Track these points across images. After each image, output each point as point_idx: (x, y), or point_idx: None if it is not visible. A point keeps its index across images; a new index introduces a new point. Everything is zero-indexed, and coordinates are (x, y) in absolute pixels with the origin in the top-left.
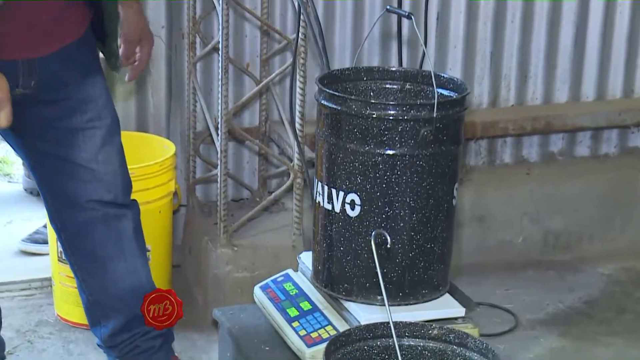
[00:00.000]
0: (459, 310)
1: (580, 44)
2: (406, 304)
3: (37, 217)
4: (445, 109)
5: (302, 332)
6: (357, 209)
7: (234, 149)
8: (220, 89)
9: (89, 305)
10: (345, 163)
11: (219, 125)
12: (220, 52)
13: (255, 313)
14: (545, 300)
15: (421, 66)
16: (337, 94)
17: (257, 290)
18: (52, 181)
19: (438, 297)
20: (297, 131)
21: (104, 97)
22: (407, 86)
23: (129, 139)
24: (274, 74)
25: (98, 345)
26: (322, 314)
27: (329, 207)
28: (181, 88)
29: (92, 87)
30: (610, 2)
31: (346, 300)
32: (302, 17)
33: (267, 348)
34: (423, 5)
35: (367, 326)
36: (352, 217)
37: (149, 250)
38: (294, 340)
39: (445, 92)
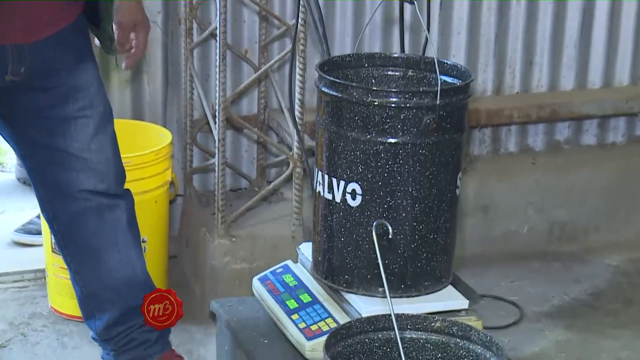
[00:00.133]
0: (462, 302)
1: (586, 29)
2: (408, 296)
3: (30, 207)
4: (448, 97)
5: (302, 325)
6: (358, 198)
7: (232, 137)
8: (217, 76)
9: (82, 297)
10: (346, 152)
11: (217, 113)
12: (217, 38)
13: (253, 305)
14: (550, 292)
15: (424, 52)
16: (337, 81)
17: (256, 282)
18: (43, 171)
19: (441, 289)
20: (297, 119)
21: (96, 85)
22: (410, 73)
23: (125, 127)
24: (273, 61)
25: (93, 338)
26: (322, 306)
27: (329, 196)
28: (178, 75)
29: (84, 74)
30: None
31: (347, 292)
32: (301, 2)
33: (265, 341)
34: None
35: (368, 318)
36: (353, 207)
37: (144, 241)
38: (294, 333)
39: (448, 79)
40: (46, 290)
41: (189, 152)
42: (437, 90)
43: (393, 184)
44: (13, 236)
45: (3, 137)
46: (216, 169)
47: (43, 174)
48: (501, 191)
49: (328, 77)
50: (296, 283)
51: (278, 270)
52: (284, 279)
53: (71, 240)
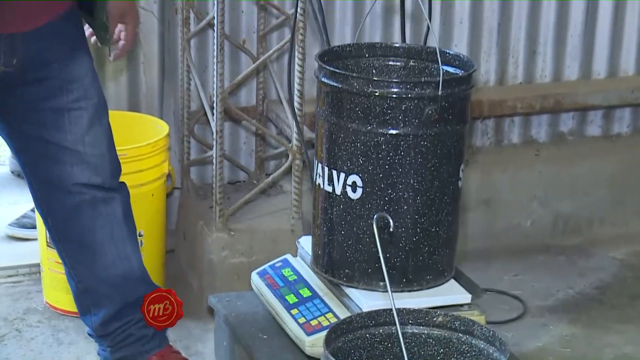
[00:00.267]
0: (464, 297)
1: (591, 18)
2: (410, 290)
3: (25, 200)
4: (450, 87)
5: (302, 320)
6: (359, 191)
7: (230, 129)
8: (215, 67)
9: (78, 293)
10: (346, 143)
11: (215, 105)
12: (215, 28)
13: (252, 300)
14: (554, 286)
15: (425, 42)
16: (337, 71)
17: (255, 277)
18: (37, 165)
19: (443, 283)
20: (296, 110)
21: (90, 76)
22: (411, 63)
23: (120, 118)
24: (271, 51)
25: (89, 334)
26: (322, 300)
27: (329, 189)
28: (175, 66)
29: (77, 66)
30: None
31: (347, 286)
32: None
33: (264, 336)
34: None
35: (369, 313)
36: (353, 200)
37: (141, 235)
38: (293, 328)
39: (450, 69)
40: (41, 285)
41: (186, 144)
42: (439, 81)
43: (394, 176)
44: (7, 230)
45: None
46: (214, 161)
47: (37, 168)
48: (504, 183)
49: (328, 67)
50: (296, 277)
51: (277, 265)
52: (283, 273)
53: (66, 235)
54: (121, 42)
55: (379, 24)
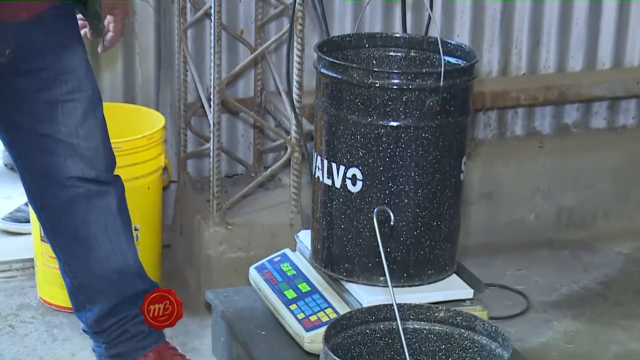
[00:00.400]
0: (467, 292)
1: (595, 7)
2: (411, 285)
3: (18, 194)
4: (452, 78)
5: (301, 316)
6: (359, 184)
7: (228, 121)
8: (212, 58)
9: (72, 288)
10: (346, 135)
11: (212, 96)
12: (212, 18)
13: (250, 295)
14: (558, 281)
15: (427, 32)
16: (337, 62)
17: (253, 271)
18: (30, 158)
19: (445, 278)
20: (295, 102)
21: (84, 67)
22: (412, 54)
23: (116, 110)
24: (270, 41)
25: (84, 330)
26: (322, 295)
27: (328, 182)
28: (171, 56)
29: (71, 57)
30: None
31: (347, 281)
32: None
33: (263, 332)
34: None
35: (369, 309)
36: (353, 193)
37: (137, 230)
38: (292, 324)
39: (452, 60)
40: (35, 280)
41: (183, 136)
42: (441, 72)
43: (395, 169)
44: (0, 224)
45: None
46: (211, 154)
47: (30, 162)
48: (507, 176)
49: (327, 58)
50: (294, 272)
51: (276, 259)
52: (282, 268)
53: (60, 229)
54: (110, 34)
55: (380, 14)
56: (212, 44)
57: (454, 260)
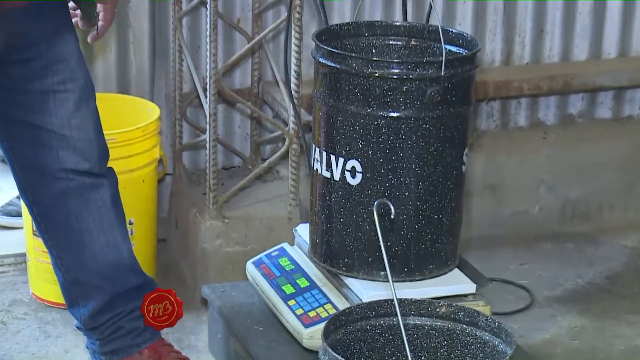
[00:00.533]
0: (469, 287)
1: None
2: (411, 280)
3: (9, 187)
4: (453, 67)
5: (299, 311)
6: (359, 176)
7: (224, 112)
8: (208, 47)
9: (65, 284)
10: (345, 127)
11: (208, 87)
12: (208, 6)
13: (247, 291)
14: (563, 275)
15: (427, 20)
16: (336, 51)
17: (250, 266)
18: (21, 150)
19: (446, 273)
20: (293, 92)
21: (77, 57)
22: (413, 42)
23: (110, 101)
24: (267, 30)
25: (77, 327)
26: (321, 291)
27: (327, 174)
28: (166, 46)
29: (63, 46)
30: None
31: (346, 276)
32: None
33: (260, 328)
34: None
35: (370, 304)
36: (352, 186)
37: (131, 223)
38: (290, 320)
39: (453, 49)
40: (27, 276)
41: (179, 127)
42: (442, 61)
43: (395, 160)
44: None
45: None
46: (207, 145)
47: (21, 154)
48: (510, 168)
49: (326, 47)
50: (293, 267)
51: (273, 254)
52: (280, 262)
53: (52, 223)
54: (100, 23)
55: (380, 2)
56: (208, 33)
57: (456, 254)
